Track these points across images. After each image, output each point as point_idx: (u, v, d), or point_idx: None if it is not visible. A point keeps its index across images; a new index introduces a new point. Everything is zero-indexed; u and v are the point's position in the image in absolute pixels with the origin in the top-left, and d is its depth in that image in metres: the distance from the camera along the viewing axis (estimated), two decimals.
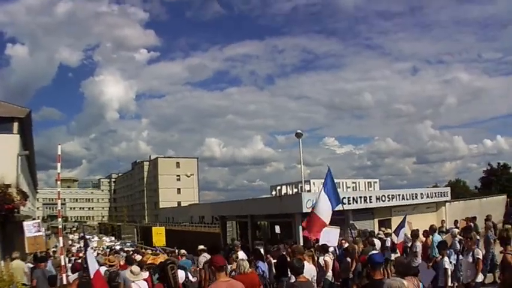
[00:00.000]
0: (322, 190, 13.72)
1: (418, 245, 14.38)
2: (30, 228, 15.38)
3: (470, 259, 9.67)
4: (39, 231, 16.07)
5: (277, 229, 24.03)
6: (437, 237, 14.48)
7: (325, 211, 13.47)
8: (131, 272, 9.88)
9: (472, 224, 18.91)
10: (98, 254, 32.59)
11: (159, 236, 30.48)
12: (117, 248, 43.66)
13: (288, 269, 8.53)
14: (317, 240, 13.77)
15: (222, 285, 6.52)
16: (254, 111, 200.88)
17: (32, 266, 14.02)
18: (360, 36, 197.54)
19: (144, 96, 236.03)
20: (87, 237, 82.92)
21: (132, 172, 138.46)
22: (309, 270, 8.96)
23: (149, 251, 24.63)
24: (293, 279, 7.78)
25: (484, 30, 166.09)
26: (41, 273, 12.55)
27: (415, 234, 15.22)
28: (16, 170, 17.94)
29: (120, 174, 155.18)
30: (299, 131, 25.94)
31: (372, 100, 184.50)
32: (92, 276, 8.60)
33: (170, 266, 9.12)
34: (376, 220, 26.01)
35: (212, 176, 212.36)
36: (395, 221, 26.13)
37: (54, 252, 27.43)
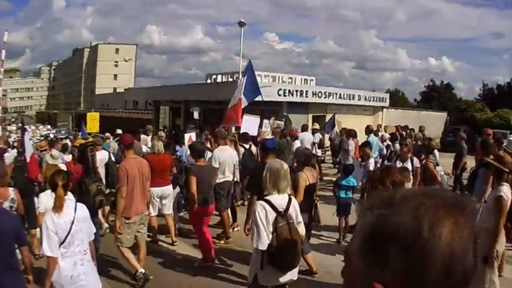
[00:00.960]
0: (244, 79, 13.02)
1: (351, 143, 14.55)
2: None
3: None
4: None
5: (196, 115, 23.64)
6: (373, 138, 14.46)
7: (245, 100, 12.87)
8: (51, 155, 10.04)
9: (403, 133, 18.58)
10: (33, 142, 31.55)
11: (93, 122, 29.16)
12: (51, 136, 42.03)
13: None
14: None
15: (131, 161, 7.05)
16: (197, 1, 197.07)
17: None
18: None
19: None
20: (25, 126, 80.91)
21: (72, 59, 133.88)
22: (231, 156, 9.26)
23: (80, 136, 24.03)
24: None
25: None
26: None
27: (347, 132, 15.49)
28: None
29: (60, 62, 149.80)
30: (242, 20, 24.79)
31: (318, 2, 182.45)
32: (28, 160, 9.07)
33: (90, 148, 8.51)
34: (310, 115, 25.76)
35: (150, 63, 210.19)
36: (338, 118, 26.20)
37: None
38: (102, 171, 9.11)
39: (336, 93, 27.78)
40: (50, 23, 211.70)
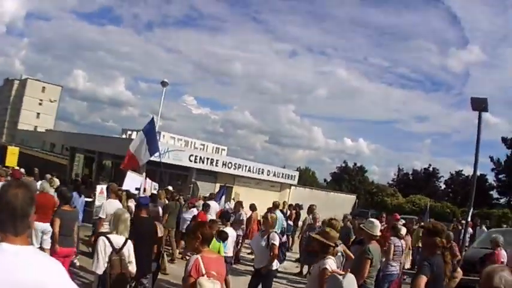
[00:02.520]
0: (142, 133, 13.48)
1: (242, 214, 15.12)
2: None
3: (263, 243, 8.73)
4: None
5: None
6: (278, 214, 14.62)
7: (141, 154, 13.37)
8: None
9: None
10: None
11: (12, 156, 28.91)
12: None
13: None
14: None
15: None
16: (125, 53, 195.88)
17: None
18: (251, 7, 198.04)
19: (33, 16, 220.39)
20: None
21: (2, 88, 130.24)
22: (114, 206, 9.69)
23: None
24: None
25: (378, 37, 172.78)
26: None
27: (239, 203, 16.04)
28: None
29: None
30: (165, 80, 25.74)
31: (240, 70, 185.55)
32: None
33: None
34: (218, 185, 26.25)
35: (71, 107, 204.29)
36: (238, 191, 27.11)
37: None
38: None
39: (246, 166, 28.76)
40: None
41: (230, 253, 10.36)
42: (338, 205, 32.51)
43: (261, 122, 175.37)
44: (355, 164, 70.43)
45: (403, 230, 10.54)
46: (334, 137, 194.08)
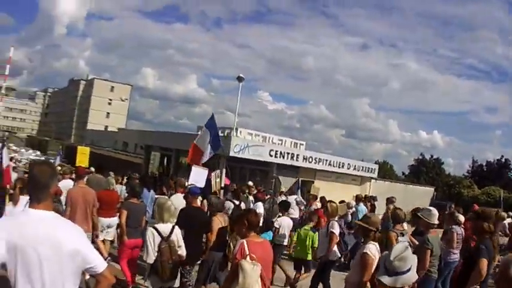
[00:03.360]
0: (206, 129, 13.30)
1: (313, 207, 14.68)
2: None
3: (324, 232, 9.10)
4: None
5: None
6: (362, 207, 15.04)
7: (205, 149, 13.25)
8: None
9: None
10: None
11: (83, 156, 28.89)
12: None
13: None
14: None
15: (76, 189, 8.85)
16: (195, 50, 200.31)
17: None
18: (319, 1, 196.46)
19: (94, 17, 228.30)
20: (14, 148, 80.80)
21: (67, 89, 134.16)
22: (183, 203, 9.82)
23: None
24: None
25: (444, 28, 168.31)
26: None
27: (313, 197, 16.22)
28: None
29: (55, 89, 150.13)
30: (241, 75, 24.95)
31: (313, 65, 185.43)
32: (4, 167, 10.32)
33: None
34: (299, 179, 25.51)
35: (142, 106, 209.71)
36: (318, 185, 26.15)
37: None
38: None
39: (326, 160, 27.94)
40: (49, 48, 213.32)
41: (285, 242, 11.03)
42: (417, 198, 31.19)
43: (337, 116, 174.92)
44: (431, 156, 70.03)
45: (461, 218, 10.15)
46: (409, 129, 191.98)
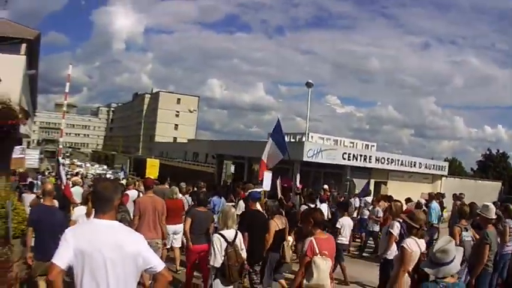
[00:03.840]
0: (270, 139, 13.93)
1: (379, 210, 14.81)
2: (16, 151, 19.96)
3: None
4: (22, 154, 22.32)
5: (232, 168, 24.44)
6: (435, 205, 15.16)
7: (270, 157, 13.79)
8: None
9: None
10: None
11: (152, 168, 30.42)
12: (109, 176, 43.81)
13: None
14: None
15: (145, 198, 9.29)
16: (260, 59, 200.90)
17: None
18: (377, 3, 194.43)
19: (152, 31, 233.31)
20: (79, 163, 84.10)
21: (132, 103, 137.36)
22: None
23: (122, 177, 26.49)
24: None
25: (500, 22, 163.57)
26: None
27: (377, 199, 16.09)
28: (20, 90, 17.75)
29: (119, 104, 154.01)
30: (310, 81, 25.34)
31: (378, 66, 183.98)
32: (64, 184, 13.60)
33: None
34: (372, 181, 25.81)
35: (210, 117, 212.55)
36: (391, 185, 26.39)
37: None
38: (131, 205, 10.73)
39: (398, 160, 27.88)
40: (109, 64, 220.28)
41: (346, 241, 11.66)
42: (486, 193, 30.82)
43: (405, 115, 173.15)
44: (498, 150, 68.58)
45: None
46: (475, 125, 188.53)
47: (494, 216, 7.60)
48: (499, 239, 8.33)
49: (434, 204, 15.20)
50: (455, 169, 60.64)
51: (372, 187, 23.98)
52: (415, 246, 6.04)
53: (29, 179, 17.69)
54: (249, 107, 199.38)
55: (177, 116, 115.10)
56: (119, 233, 3.65)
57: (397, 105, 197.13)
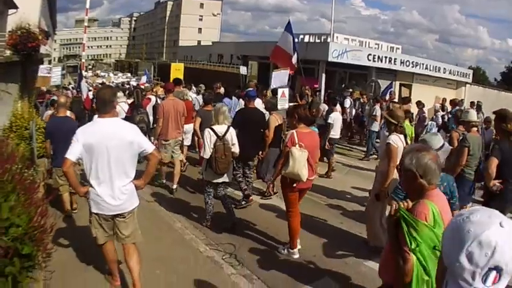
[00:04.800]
0: (285, 32, 14.34)
1: (377, 109, 14.83)
2: (42, 70, 22.98)
3: None
4: (48, 73, 23.97)
5: (243, 70, 24.64)
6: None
7: (289, 49, 14.14)
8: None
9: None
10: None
11: (177, 72, 30.28)
12: (133, 83, 44.09)
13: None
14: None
15: (168, 101, 9.82)
16: None
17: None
18: None
19: None
20: (102, 74, 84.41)
21: (154, 12, 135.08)
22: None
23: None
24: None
25: None
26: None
27: (375, 98, 16.42)
28: (39, 13, 18.00)
29: (142, 14, 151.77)
30: None
31: None
32: (84, 96, 15.87)
33: (140, 91, 13.27)
34: (397, 83, 26.01)
35: (234, 19, 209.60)
36: (416, 88, 26.55)
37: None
38: (150, 110, 12.18)
39: (423, 64, 27.80)
40: None
41: (337, 136, 12.33)
42: (508, 104, 30.57)
43: (429, 21, 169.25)
44: None
45: None
46: (499, 37, 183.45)
47: (476, 119, 7.73)
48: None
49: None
50: (479, 78, 59.80)
51: (396, 89, 24.24)
52: (399, 141, 6.34)
53: (53, 96, 17.93)
54: (273, 9, 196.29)
55: (200, 20, 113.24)
56: (117, 126, 4.69)
57: (421, 10, 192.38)
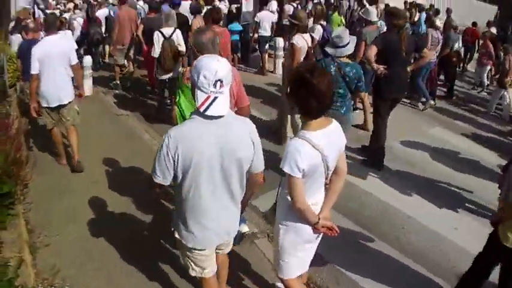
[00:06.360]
0: None
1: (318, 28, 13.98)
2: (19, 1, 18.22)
3: None
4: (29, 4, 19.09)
5: None
6: (423, 16, 14.96)
7: None
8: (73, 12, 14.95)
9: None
10: None
11: None
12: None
13: None
14: None
15: (122, 11, 10.56)
16: None
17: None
18: None
19: None
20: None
21: None
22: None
23: None
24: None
25: None
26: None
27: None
28: None
29: None
30: None
31: None
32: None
33: (92, 5, 13.35)
34: None
35: None
36: None
37: None
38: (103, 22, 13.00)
39: None
40: None
41: (267, 33, 12.37)
42: (480, 14, 29.39)
43: None
44: None
45: (438, 22, 11.11)
46: None
47: (375, 19, 8.60)
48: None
49: (423, 16, 14.93)
50: None
51: None
52: (302, 41, 6.72)
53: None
54: None
55: None
56: (60, 41, 6.13)
57: None
